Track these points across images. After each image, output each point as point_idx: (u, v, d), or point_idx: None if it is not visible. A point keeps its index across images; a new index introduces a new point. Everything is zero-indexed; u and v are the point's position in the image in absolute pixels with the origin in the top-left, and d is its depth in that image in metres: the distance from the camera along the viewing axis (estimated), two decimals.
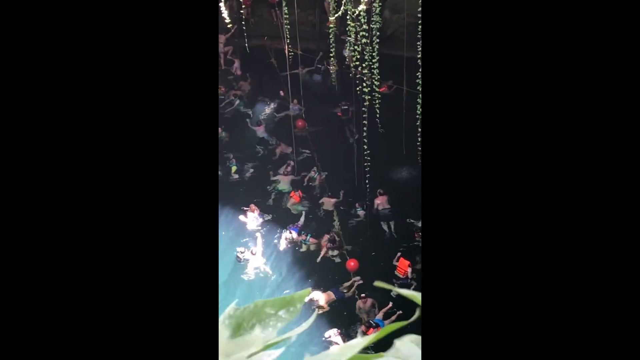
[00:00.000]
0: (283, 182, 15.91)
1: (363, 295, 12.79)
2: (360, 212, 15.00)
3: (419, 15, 13.69)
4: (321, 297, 12.74)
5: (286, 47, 15.49)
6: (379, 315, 12.43)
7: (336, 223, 15.00)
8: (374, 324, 12.08)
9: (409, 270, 13.41)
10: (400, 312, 11.87)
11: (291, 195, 15.39)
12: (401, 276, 13.47)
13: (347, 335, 12.21)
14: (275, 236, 14.81)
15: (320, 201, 15.41)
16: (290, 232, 14.46)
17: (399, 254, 13.70)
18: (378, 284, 0.99)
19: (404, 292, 0.93)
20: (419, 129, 14.22)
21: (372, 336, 0.87)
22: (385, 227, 15.03)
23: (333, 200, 15.30)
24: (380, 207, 15.02)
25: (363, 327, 12.23)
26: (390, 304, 12.49)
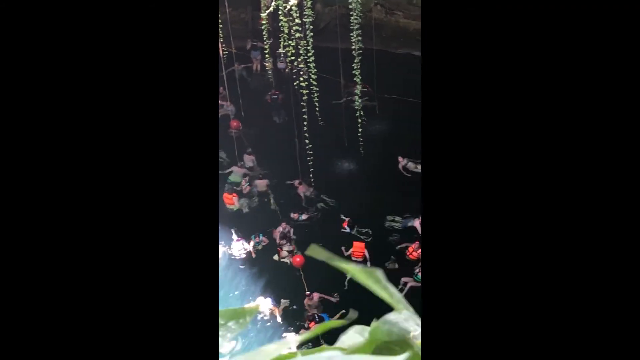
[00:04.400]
0: (235, 174, 15.68)
1: (307, 292, 12.80)
2: (304, 216, 15.03)
3: (350, 6, 13.81)
4: (265, 305, 12.68)
5: (220, 46, 15.31)
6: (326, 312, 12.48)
7: (272, 203, 15.06)
8: (318, 319, 12.11)
9: (366, 252, 13.54)
10: (344, 311, 11.91)
11: (225, 200, 14.97)
12: (360, 260, 13.57)
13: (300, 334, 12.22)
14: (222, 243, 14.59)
15: (254, 184, 15.35)
16: (239, 241, 14.26)
17: (343, 247, 13.78)
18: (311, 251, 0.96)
19: (342, 264, 0.92)
20: (359, 120, 14.36)
21: (305, 335, 0.90)
22: (324, 203, 15.21)
23: (265, 181, 15.34)
24: (307, 194, 15.20)
25: (307, 320, 12.26)
26: (337, 299, 12.58)
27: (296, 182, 15.19)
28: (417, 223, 14.24)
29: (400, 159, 15.83)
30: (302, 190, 15.26)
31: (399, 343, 0.88)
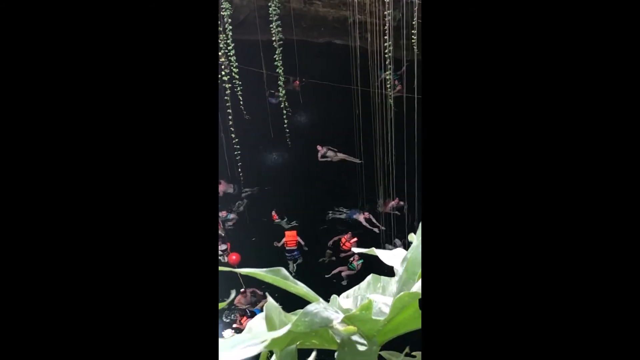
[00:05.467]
0: None
1: (242, 290, 12.72)
2: (232, 215, 14.90)
3: None
4: None
5: None
6: (259, 306, 12.41)
7: None
8: (249, 313, 12.05)
9: (299, 238, 13.58)
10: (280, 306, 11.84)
11: None
12: (294, 248, 13.60)
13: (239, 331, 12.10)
14: None
15: None
16: None
17: (275, 242, 13.80)
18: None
19: (249, 271, 0.92)
20: (284, 111, 14.32)
21: None
22: (250, 192, 15.21)
23: None
24: (229, 191, 15.21)
25: (238, 316, 12.19)
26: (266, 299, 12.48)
27: (220, 182, 15.09)
28: (361, 217, 14.33)
29: (319, 147, 15.92)
30: (222, 188, 15.16)
31: (320, 332, 0.89)
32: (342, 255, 13.48)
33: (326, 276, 13.08)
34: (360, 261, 13.00)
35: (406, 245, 1.11)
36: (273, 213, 14.72)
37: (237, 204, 15.13)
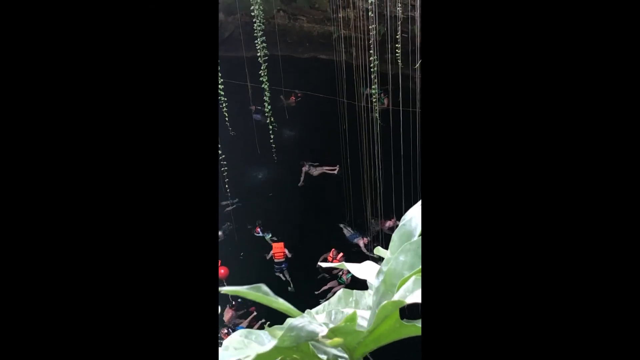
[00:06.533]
0: None
1: (233, 303, 12.68)
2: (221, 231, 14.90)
3: (252, 13, 13.77)
4: None
5: None
6: (244, 323, 12.38)
7: None
8: (232, 331, 12.01)
9: (286, 250, 13.61)
10: (263, 320, 11.86)
11: None
12: (282, 260, 13.64)
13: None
14: None
15: None
16: None
17: (265, 254, 13.83)
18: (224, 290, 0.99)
19: (231, 289, 0.92)
20: (270, 126, 14.34)
21: None
22: (235, 207, 15.25)
23: None
24: None
25: (222, 334, 12.15)
26: (254, 313, 12.51)
27: None
28: (361, 242, 14.33)
29: (304, 163, 15.98)
30: None
31: (301, 347, 0.88)
32: (334, 271, 13.51)
33: (316, 292, 13.06)
34: (350, 275, 13.00)
35: None
36: (256, 226, 14.74)
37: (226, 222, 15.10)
